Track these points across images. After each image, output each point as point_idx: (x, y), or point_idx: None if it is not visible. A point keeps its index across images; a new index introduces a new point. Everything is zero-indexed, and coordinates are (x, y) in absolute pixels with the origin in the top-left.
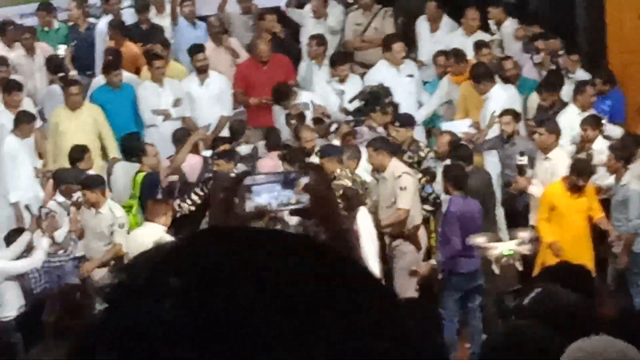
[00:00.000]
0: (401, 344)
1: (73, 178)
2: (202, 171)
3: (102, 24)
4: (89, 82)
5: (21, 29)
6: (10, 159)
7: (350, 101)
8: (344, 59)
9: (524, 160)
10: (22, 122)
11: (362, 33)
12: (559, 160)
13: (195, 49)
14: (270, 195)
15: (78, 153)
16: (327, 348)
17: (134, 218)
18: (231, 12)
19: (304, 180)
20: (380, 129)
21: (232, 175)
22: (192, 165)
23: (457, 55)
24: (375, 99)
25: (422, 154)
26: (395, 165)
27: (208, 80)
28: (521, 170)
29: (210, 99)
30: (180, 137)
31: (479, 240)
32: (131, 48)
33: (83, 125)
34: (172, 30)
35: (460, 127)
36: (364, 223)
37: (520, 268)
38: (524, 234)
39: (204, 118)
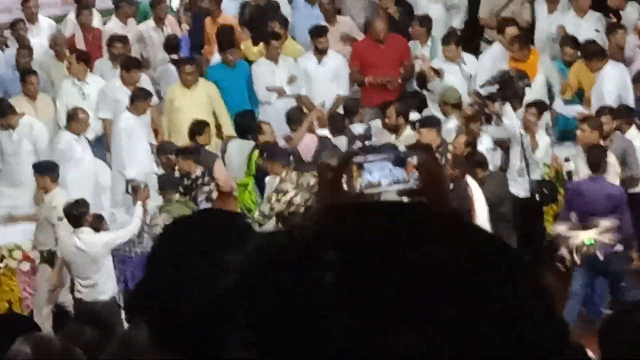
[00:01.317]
0: (548, 318)
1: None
2: (318, 150)
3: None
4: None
5: (135, 4)
6: (126, 135)
7: (482, 86)
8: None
9: (570, 165)
10: (138, 98)
11: (499, 12)
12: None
13: (318, 31)
14: (381, 173)
15: (199, 127)
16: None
17: (249, 195)
18: None
19: (415, 159)
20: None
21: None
22: (307, 144)
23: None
24: (510, 84)
25: None
26: None
27: (326, 58)
28: (569, 175)
29: (327, 77)
30: (294, 116)
31: (560, 228)
32: (228, 21)
33: (198, 102)
34: (289, 7)
35: (572, 110)
36: (475, 190)
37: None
38: (605, 223)
39: (321, 96)
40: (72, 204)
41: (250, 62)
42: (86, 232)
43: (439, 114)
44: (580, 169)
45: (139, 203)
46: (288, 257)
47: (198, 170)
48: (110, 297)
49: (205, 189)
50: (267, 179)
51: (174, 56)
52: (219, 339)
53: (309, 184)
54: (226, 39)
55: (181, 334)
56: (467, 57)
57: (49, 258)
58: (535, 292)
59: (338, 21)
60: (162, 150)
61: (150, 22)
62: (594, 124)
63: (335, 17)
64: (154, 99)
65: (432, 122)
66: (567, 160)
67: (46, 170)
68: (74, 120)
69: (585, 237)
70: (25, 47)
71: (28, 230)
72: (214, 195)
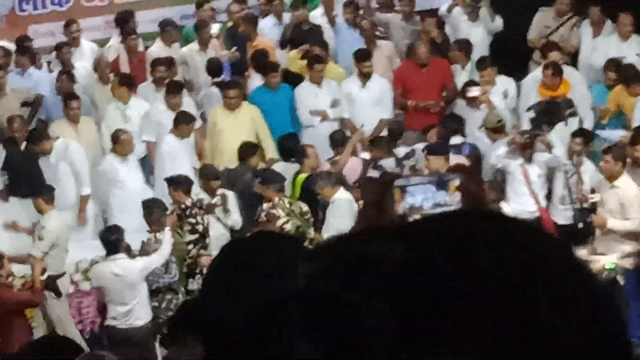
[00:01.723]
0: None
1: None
2: (362, 173)
3: (263, 25)
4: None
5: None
6: (169, 158)
7: (528, 110)
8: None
9: (595, 197)
10: (181, 122)
11: (548, 36)
12: (627, 189)
13: (362, 55)
14: (423, 196)
15: (249, 149)
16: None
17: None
18: (390, 16)
19: (457, 181)
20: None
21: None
22: (352, 167)
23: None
24: (556, 111)
25: None
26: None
27: (369, 82)
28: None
29: (371, 101)
30: (338, 139)
31: (581, 252)
32: (264, 44)
33: (241, 126)
34: (331, 30)
35: (615, 134)
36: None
37: (622, 282)
38: (626, 247)
39: (364, 120)
40: (108, 230)
41: (292, 82)
42: (122, 258)
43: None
44: (605, 199)
45: (167, 228)
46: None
47: (188, 201)
48: (145, 322)
49: (191, 220)
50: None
51: (217, 79)
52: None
53: (302, 211)
54: (259, 63)
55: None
56: (500, 78)
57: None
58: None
59: (378, 45)
60: (204, 175)
61: (194, 46)
62: (617, 154)
63: (375, 41)
64: (198, 122)
65: (439, 150)
66: (593, 191)
67: (42, 192)
68: (118, 142)
69: (606, 261)
70: (66, 72)
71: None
72: (200, 227)
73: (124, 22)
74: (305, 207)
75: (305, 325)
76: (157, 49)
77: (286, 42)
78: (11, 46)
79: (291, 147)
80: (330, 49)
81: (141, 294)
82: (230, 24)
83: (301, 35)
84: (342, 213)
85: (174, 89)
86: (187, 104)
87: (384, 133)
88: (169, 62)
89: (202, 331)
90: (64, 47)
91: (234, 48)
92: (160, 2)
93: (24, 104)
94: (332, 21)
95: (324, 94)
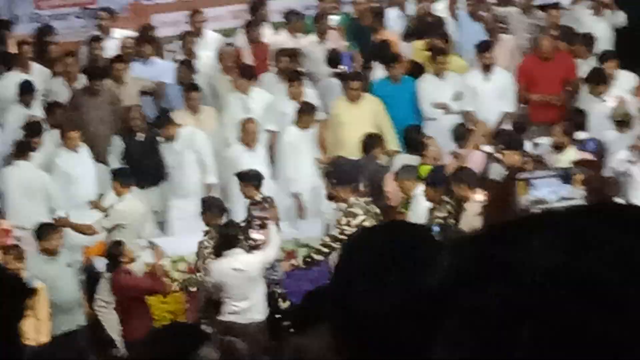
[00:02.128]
0: None
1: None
2: (485, 166)
3: (387, 16)
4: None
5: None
6: (291, 149)
7: None
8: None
9: None
10: (304, 113)
11: None
12: None
13: (484, 46)
14: (548, 189)
15: (373, 141)
16: None
17: None
18: (508, 9)
19: (582, 175)
20: None
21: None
22: (475, 160)
23: None
24: None
25: None
26: None
27: (492, 75)
28: None
29: (494, 93)
30: (460, 133)
31: None
32: (388, 36)
33: (363, 117)
34: (454, 24)
35: None
36: None
37: None
38: None
39: (487, 113)
40: (226, 225)
41: (414, 74)
42: (240, 252)
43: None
44: None
45: (271, 222)
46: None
47: (258, 196)
48: (264, 317)
49: (256, 213)
50: (334, 205)
51: (337, 69)
52: (419, 340)
53: (377, 212)
54: (384, 54)
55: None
56: (622, 72)
57: None
58: None
59: (501, 39)
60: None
61: (313, 37)
62: None
63: (498, 35)
64: (321, 114)
65: (515, 144)
66: None
67: (117, 176)
68: (244, 131)
69: None
70: (185, 62)
71: (192, 242)
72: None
73: (254, 10)
74: (377, 210)
75: (459, 335)
76: (282, 39)
77: (410, 34)
78: (134, 35)
79: (414, 138)
80: (452, 42)
81: (259, 288)
82: (355, 15)
83: (425, 27)
84: (420, 209)
85: (295, 79)
86: (310, 94)
87: (507, 126)
88: (294, 53)
89: (338, 318)
90: (188, 37)
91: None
92: None
93: (144, 93)
94: (454, 13)
95: (446, 86)
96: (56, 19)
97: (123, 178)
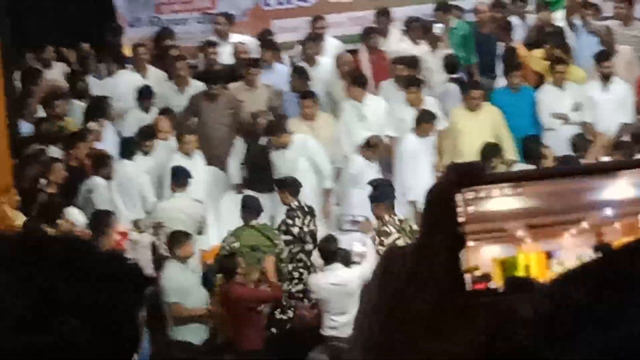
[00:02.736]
0: None
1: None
2: None
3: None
4: (491, 83)
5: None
6: (409, 157)
7: None
8: None
9: None
10: (423, 120)
11: None
12: None
13: (602, 56)
14: None
15: (492, 150)
16: None
17: None
18: (608, 23)
19: None
20: None
21: None
22: None
23: None
24: None
25: None
26: None
27: (611, 86)
28: None
29: (612, 104)
30: (579, 143)
31: None
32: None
33: (481, 126)
34: (572, 34)
35: None
36: None
37: None
38: None
39: (606, 124)
40: (326, 239)
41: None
42: (339, 268)
43: None
44: None
45: (366, 235)
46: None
47: (294, 203)
48: None
49: (288, 221)
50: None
51: (454, 75)
52: None
53: (411, 228)
54: (508, 62)
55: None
56: None
57: None
58: None
59: (619, 50)
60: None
61: (424, 46)
62: None
63: (614, 46)
64: (440, 123)
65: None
66: None
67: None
68: (369, 145)
69: None
70: (298, 69)
71: None
72: (295, 230)
73: (377, 17)
74: (415, 225)
75: None
76: (404, 46)
77: (529, 44)
78: (252, 41)
79: (533, 149)
80: (572, 52)
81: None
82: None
83: (544, 37)
84: None
85: (414, 85)
86: (430, 102)
87: (626, 137)
88: (412, 61)
89: None
90: (308, 43)
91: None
92: (406, 0)
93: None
94: (571, 24)
95: (566, 96)
96: (176, 24)
97: (177, 178)
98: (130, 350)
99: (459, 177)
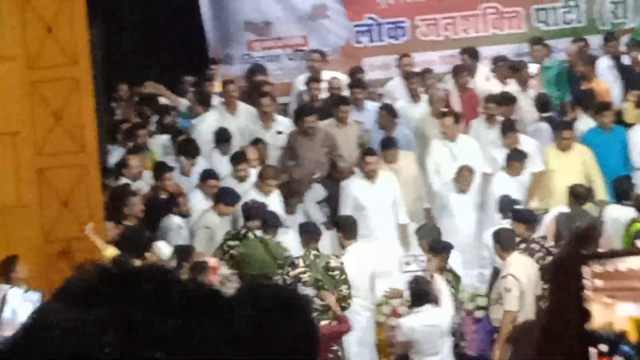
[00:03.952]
0: None
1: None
2: None
3: (602, 64)
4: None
5: (513, 65)
6: (499, 196)
7: None
8: None
9: None
10: (514, 159)
11: None
12: None
13: None
14: None
15: (583, 191)
16: None
17: None
18: None
19: None
20: None
21: None
22: None
23: None
24: None
25: None
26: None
27: None
28: None
29: None
30: None
31: None
32: (601, 86)
33: (572, 166)
34: None
35: None
36: None
37: None
38: None
39: None
40: (415, 281)
41: (627, 126)
42: (429, 308)
43: None
44: None
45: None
46: None
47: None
48: None
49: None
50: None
51: (546, 114)
52: None
53: (327, 266)
54: (588, 103)
55: None
56: None
57: None
58: None
59: None
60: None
61: (514, 86)
62: None
63: None
64: (536, 165)
65: None
66: None
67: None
68: (459, 175)
69: None
70: (385, 107)
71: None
72: None
73: (469, 56)
74: (334, 263)
75: None
76: (491, 85)
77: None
78: (344, 77)
79: (624, 189)
80: None
81: (448, 341)
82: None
83: (636, 79)
84: None
85: (507, 127)
86: (525, 141)
87: None
88: (502, 99)
89: None
90: (414, 78)
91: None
92: (496, 39)
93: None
94: None
95: None
96: (268, 61)
97: (227, 197)
98: None
99: (582, 245)
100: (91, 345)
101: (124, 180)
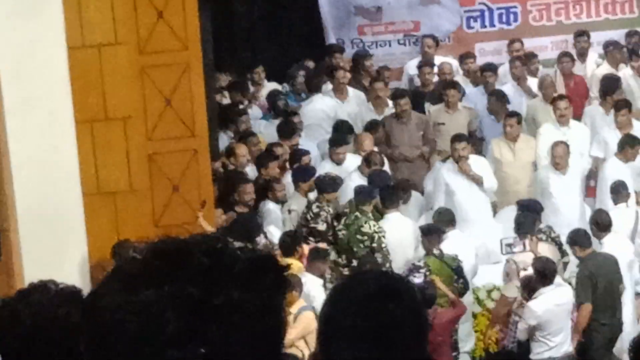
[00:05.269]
0: None
1: None
2: None
3: None
4: None
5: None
6: (611, 180)
7: None
8: None
9: None
10: (627, 145)
11: None
12: None
13: None
14: None
15: None
16: None
17: None
18: None
19: None
20: None
21: None
22: None
23: None
24: None
25: None
26: None
27: None
28: None
29: None
30: None
31: None
32: None
33: None
34: None
35: None
36: None
37: None
38: None
39: None
40: (545, 260)
41: None
42: (557, 286)
43: None
44: None
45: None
46: None
47: None
48: (572, 348)
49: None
50: None
51: None
52: None
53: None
54: None
55: None
56: None
57: None
58: None
59: None
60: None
61: (627, 69)
62: None
63: None
64: None
65: None
66: None
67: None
68: (554, 154)
69: None
70: (494, 92)
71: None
72: None
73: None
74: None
75: None
76: (603, 71)
77: None
78: (455, 63)
79: None
80: None
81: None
82: None
83: None
84: None
85: (621, 108)
86: (637, 127)
87: None
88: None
89: None
90: (515, 63)
91: None
92: (608, 24)
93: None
94: None
95: None
96: (378, 46)
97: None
98: (275, 339)
99: None
100: (153, 324)
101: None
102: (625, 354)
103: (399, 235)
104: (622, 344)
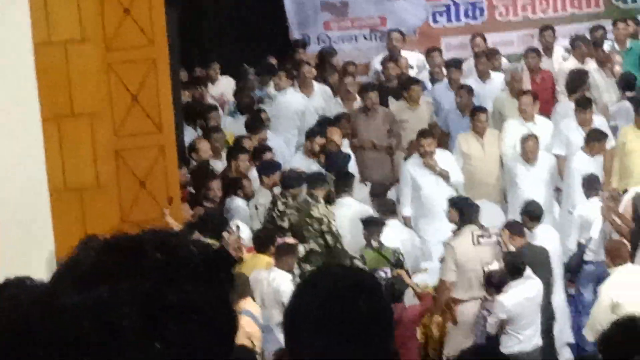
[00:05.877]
0: None
1: None
2: None
3: None
4: None
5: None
6: (578, 175)
7: None
8: None
9: None
10: (592, 139)
11: None
12: None
13: None
14: None
15: None
16: None
17: None
18: None
19: None
20: None
21: None
22: None
23: None
24: None
25: None
26: None
27: None
28: None
29: None
30: None
31: None
32: None
33: None
34: None
35: None
36: None
37: None
38: None
39: None
40: (513, 254)
41: None
42: (527, 279)
43: None
44: None
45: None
46: None
47: None
48: (541, 341)
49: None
50: None
51: (630, 93)
52: None
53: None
54: None
55: None
56: None
57: None
58: None
59: None
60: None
61: (592, 64)
62: None
63: None
64: (610, 142)
65: None
66: None
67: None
68: (524, 146)
69: None
70: (463, 87)
71: None
72: None
73: (541, 34)
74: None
75: None
76: (570, 65)
77: None
78: (421, 58)
79: None
80: None
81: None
82: None
83: None
84: None
85: (583, 104)
86: (599, 122)
87: None
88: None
89: None
90: (481, 58)
91: None
92: (573, 18)
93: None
94: None
95: None
96: (345, 41)
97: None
98: (229, 333)
99: None
100: (108, 321)
101: (193, 164)
102: (564, 347)
103: (350, 221)
104: (562, 336)
